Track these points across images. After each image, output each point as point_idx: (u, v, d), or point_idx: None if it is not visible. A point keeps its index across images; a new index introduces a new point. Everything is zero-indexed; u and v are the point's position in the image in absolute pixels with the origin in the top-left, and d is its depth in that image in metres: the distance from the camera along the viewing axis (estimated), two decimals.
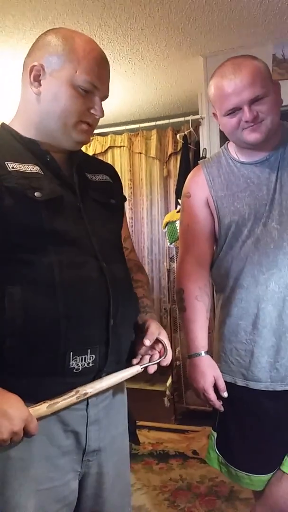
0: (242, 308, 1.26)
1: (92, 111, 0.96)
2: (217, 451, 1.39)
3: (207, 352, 1.31)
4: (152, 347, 0.98)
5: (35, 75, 0.93)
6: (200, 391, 1.30)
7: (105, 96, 0.99)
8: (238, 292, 1.26)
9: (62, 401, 0.84)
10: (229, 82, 1.17)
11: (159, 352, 0.99)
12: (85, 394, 0.87)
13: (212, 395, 1.27)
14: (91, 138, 3.81)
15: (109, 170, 1.13)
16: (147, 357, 0.98)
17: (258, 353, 1.24)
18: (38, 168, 0.92)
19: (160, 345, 0.99)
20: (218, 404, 1.29)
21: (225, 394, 1.28)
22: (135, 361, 0.97)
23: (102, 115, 0.97)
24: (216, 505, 1.93)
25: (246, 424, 1.31)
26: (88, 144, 3.87)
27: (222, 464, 1.38)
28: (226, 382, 1.30)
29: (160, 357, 0.98)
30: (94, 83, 0.94)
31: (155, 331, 0.99)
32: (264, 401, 1.26)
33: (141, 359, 0.98)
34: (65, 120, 0.93)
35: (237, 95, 1.17)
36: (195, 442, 2.52)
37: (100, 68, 0.95)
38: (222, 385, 1.28)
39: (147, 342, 0.96)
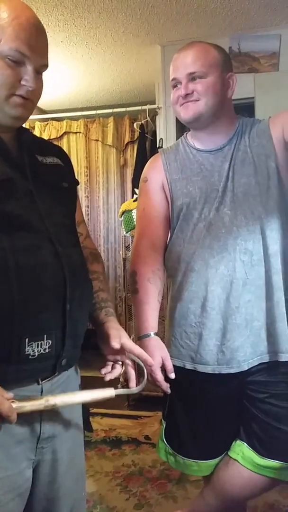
0: (192, 292, 1.28)
1: (23, 82, 0.89)
2: (164, 441, 1.41)
3: (156, 334, 1.32)
4: (118, 351, 1.01)
5: None
6: (148, 372, 1.30)
7: (41, 66, 0.92)
8: (190, 276, 1.28)
9: (29, 406, 0.83)
10: (177, 57, 1.27)
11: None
12: (53, 405, 0.86)
13: (159, 376, 1.27)
14: (46, 123, 3.74)
15: (60, 153, 1.10)
16: (117, 367, 1.03)
17: (206, 336, 1.26)
18: None
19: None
20: (165, 385, 1.28)
21: (172, 375, 1.28)
22: (103, 370, 1.02)
23: (35, 86, 0.90)
24: (168, 488, 1.99)
25: (194, 409, 1.34)
26: (43, 129, 3.78)
27: (169, 454, 1.40)
28: (175, 366, 1.31)
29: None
30: (22, 51, 0.87)
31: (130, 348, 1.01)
32: (211, 385, 1.29)
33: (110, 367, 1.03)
34: None
35: (178, 69, 1.25)
36: (147, 427, 2.56)
37: (28, 35, 0.87)
38: (169, 366, 1.28)
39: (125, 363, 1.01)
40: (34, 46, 0.89)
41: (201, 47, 1.25)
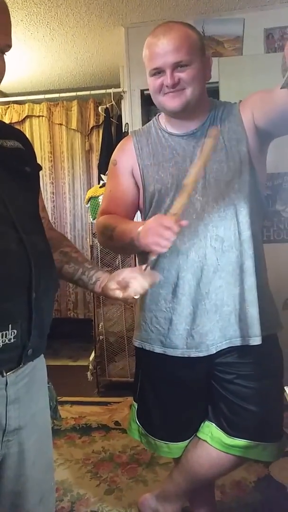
0: (164, 277, 1.28)
1: None
2: (137, 422, 1.43)
3: None
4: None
5: None
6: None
7: (5, 46, 0.88)
8: (161, 262, 1.28)
9: None
10: (156, 42, 1.20)
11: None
12: None
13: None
14: (7, 107, 3.61)
15: (20, 136, 1.06)
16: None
17: (176, 321, 1.28)
18: None
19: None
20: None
21: (184, 223, 1.08)
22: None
23: None
24: (138, 472, 2.01)
25: (164, 392, 1.36)
26: (4, 113, 3.65)
27: (142, 434, 1.43)
28: (144, 350, 1.34)
29: None
30: None
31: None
32: (180, 369, 1.31)
33: None
34: None
35: (161, 57, 1.19)
36: (117, 413, 2.57)
37: None
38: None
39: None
40: None
41: (181, 32, 1.19)
